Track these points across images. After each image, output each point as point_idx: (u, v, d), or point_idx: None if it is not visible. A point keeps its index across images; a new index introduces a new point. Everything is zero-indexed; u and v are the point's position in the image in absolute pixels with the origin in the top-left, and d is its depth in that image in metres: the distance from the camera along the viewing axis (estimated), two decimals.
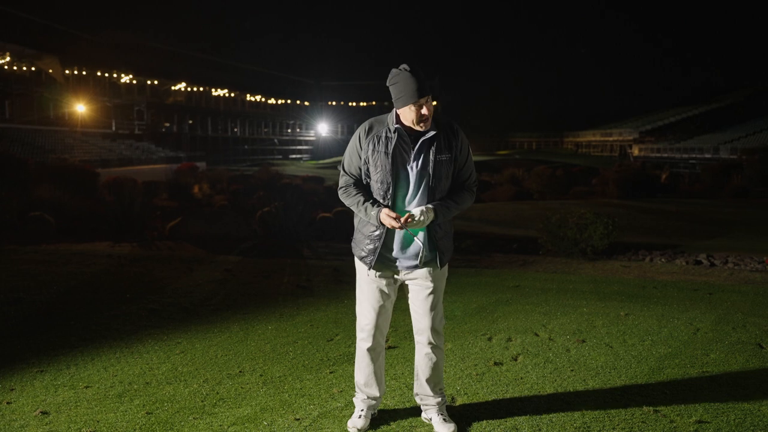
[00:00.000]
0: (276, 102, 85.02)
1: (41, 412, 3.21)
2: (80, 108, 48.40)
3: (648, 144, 66.93)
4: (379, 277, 2.94)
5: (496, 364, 3.96)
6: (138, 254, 8.54)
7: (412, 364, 3.83)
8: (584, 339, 4.50)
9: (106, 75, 54.81)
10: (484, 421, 3.08)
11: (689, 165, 45.67)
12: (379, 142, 2.85)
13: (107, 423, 3.10)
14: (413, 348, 3.92)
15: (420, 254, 2.86)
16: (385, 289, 2.96)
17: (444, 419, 2.99)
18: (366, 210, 2.85)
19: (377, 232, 2.87)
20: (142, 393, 3.49)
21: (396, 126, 2.85)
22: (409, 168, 2.84)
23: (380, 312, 2.98)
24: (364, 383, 3.05)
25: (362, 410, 3.05)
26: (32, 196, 13.52)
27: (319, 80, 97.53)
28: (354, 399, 3.13)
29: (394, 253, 2.90)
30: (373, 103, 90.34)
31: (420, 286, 2.94)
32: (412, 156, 2.84)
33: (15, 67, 45.67)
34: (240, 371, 3.86)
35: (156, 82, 62.06)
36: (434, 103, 2.95)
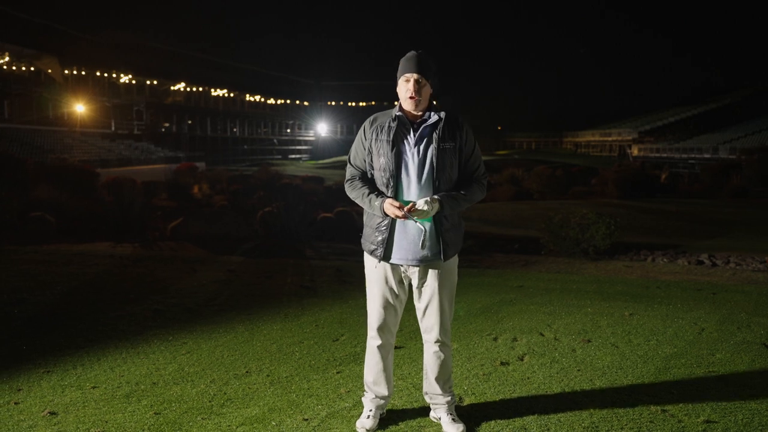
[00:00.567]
0: (275, 102, 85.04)
1: (49, 413, 3.20)
2: (79, 108, 48.36)
3: (647, 144, 66.96)
4: (388, 271, 2.93)
5: (502, 364, 3.96)
6: (140, 254, 8.54)
7: (419, 364, 3.83)
8: (590, 339, 4.51)
9: (106, 75, 54.77)
10: (493, 421, 3.08)
11: (688, 165, 45.70)
12: (381, 131, 2.88)
13: (116, 423, 3.09)
14: (420, 348, 3.94)
15: (423, 242, 2.84)
16: (395, 287, 2.96)
17: (453, 419, 2.99)
18: (370, 201, 2.85)
19: (384, 223, 2.87)
20: (149, 393, 3.49)
21: (398, 114, 2.88)
22: (410, 154, 2.85)
23: (390, 309, 2.98)
24: (373, 381, 3.05)
25: (371, 410, 3.05)
26: (31, 197, 13.51)
27: (318, 80, 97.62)
28: (363, 399, 3.13)
29: (401, 244, 2.88)
30: (373, 103, 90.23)
31: (428, 283, 2.94)
32: (413, 142, 2.85)
33: (14, 67, 45.67)
34: (247, 371, 3.86)
35: (155, 82, 62.03)
36: (431, 91, 2.91)
